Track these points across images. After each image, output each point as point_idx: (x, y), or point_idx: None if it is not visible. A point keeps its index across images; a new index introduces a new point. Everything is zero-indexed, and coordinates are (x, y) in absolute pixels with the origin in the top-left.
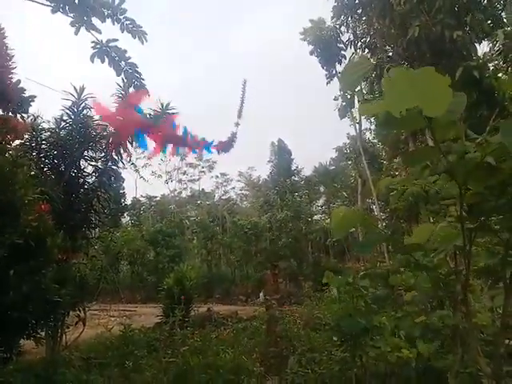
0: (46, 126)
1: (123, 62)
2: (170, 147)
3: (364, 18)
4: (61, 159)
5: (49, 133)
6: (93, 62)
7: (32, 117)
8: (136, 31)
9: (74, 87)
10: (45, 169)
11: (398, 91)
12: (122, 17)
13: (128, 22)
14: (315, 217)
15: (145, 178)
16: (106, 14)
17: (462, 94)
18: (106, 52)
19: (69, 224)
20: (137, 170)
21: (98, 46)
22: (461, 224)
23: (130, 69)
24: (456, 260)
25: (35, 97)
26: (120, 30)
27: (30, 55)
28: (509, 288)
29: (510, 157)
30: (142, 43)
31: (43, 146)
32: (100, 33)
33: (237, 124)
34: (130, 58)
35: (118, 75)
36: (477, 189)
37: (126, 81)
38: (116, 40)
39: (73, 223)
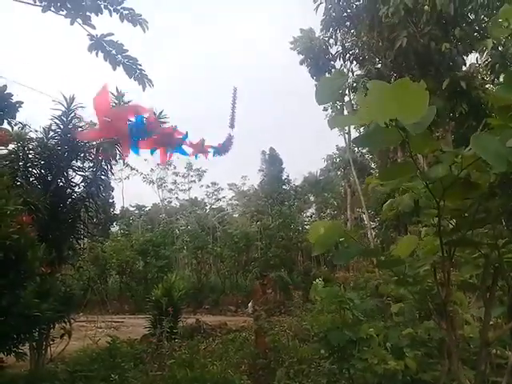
0: (33, 135)
1: (119, 56)
2: (165, 152)
3: (352, 31)
4: (48, 169)
5: (36, 142)
6: (91, 52)
7: (20, 125)
8: (136, 20)
9: (64, 96)
10: (31, 179)
11: (375, 104)
12: (119, 7)
13: (127, 12)
14: (306, 226)
15: (133, 186)
16: (102, 6)
17: (432, 106)
18: (100, 46)
19: (55, 234)
20: (121, 180)
21: (94, 39)
22: (439, 238)
23: (128, 62)
24: (435, 273)
25: (22, 102)
26: (120, 20)
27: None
28: (488, 302)
29: (486, 171)
30: (144, 31)
31: (30, 156)
32: (94, 28)
33: (230, 134)
34: (127, 50)
35: (115, 69)
36: (454, 204)
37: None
38: (111, 34)
39: (59, 234)
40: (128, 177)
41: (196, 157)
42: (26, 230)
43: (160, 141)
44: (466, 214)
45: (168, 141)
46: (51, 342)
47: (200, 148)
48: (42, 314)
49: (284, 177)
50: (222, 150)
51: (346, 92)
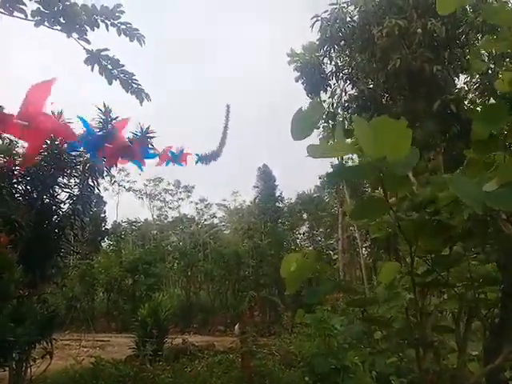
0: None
1: (116, 70)
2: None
3: (347, 51)
4: (33, 186)
5: (23, 158)
6: (87, 65)
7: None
8: (133, 34)
9: (52, 112)
10: (16, 195)
11: (357, 141)
12: (117, 22)
13: (124, 27)
14: (298, 244)
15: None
16: (98, 20)
17: (415, 148)
18: (97, 60)
19: (38, 252)
20: (117, 193)
21: (90, 54)
22: (411, 280)
23: (124, 76)
24: (407, 314)
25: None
26: (117, 34)
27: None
28: (462, 343)
29: (460, 213)
30: (141, 45)
31: (16, 172)
32: (89, 43)
33: (221, 143)
34: (123, 65)
35: (110, 83)
36: (427, 245)
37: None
38: (107, 49)
39: (42, 252)
40: (122, 190)
41: (180, 164)
42: (3, 251)
43: (118, 151)
44: (441, 254)
45: (126, 151)
46: (32, 363)
47: (167, 156)
48: (18, 338)
49: (277, 194)
50: (208, 157)
51: (339, 111)
